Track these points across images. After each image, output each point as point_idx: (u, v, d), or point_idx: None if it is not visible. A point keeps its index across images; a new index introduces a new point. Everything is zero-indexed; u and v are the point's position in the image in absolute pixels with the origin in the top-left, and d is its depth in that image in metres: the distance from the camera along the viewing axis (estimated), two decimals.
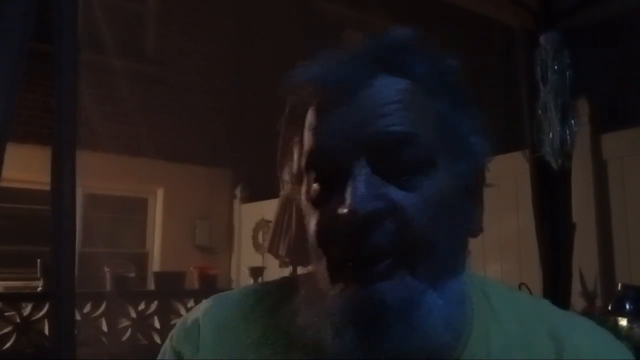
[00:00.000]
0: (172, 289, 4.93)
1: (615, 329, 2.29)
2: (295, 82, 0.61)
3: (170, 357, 0.66)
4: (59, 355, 1.50)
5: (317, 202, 0.58)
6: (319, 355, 0.57)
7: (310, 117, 0.60)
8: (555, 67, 2.60)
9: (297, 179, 0.63)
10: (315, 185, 0.58)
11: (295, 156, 0.63)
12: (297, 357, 0.61)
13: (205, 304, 0.69)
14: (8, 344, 3.90)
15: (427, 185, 0.55)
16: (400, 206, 0.54)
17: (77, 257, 1.54)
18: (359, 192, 0.53)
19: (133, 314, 4.62)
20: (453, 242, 0.58)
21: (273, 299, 0.67)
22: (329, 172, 0.57)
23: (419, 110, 0.57)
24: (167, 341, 0.68)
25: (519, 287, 2.61)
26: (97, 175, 5.15)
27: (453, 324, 0.56)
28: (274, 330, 0.64)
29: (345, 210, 0.52)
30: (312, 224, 0.58)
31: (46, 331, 4.02)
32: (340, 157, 0.55)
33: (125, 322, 4.56)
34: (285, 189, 4.95)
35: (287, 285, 0.68)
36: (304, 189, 0.61)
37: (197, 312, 0.68)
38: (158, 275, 5.35)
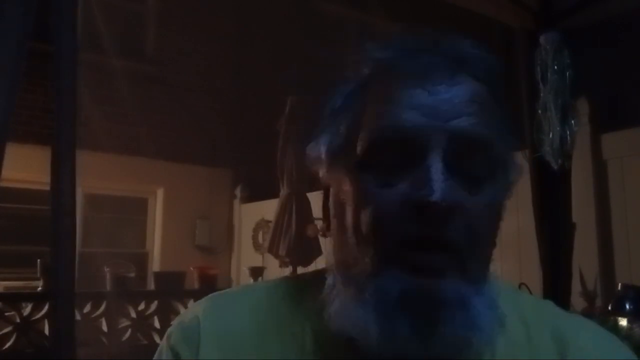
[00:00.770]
0: (172, 289, 4.93)
1: (615, 329, 2.29)
2: (368, 54, 0.60)
3: (167, 356, 0.64)
4: (59, 355, 1.50)
5: (375, 183, 0.55)
6: (345, 347, 0.56)
7: (383, 92, 0.57)
8: (555, 67, 2.60)
9: (339, 157, 0.60)
10: (375, 162, 0.56)
11: (343, 129, 0.60)
12: (314, 351, 0.60)
13: (203, 303, 0.67)
14: (8, 344, 3.91)
15: (489, 192, 0.56)
16: (468, 208, 0.54)
17: (77, 257, 1.54)
18: (439, 182, 0.52)
19: (133, 314, 4.62)
20: (491, 252, 0.59)
21: (280, 296, 0.66)
22: (400, 150, 0.55)
23: (491, 117, 0.57)
24: (164, 340, 0.66)
25: (519, 287, 2.61)
26: (97, 175, 5.15)
27: (492, 325, 0.56)
28: (284, 328, 0.62)
29: (421, 200, 0.52)
30: (364, 207, 0.55)
31: (46, 331, 4.02)
32: (420, 139, 0.54)
33: (125, 322, 4.57)
34: (286, 188, 4.95)
35: (293, 283, 0.68)
36: (351, 168, 0.58)
37: (195, 311, 0.66)
38: (158, 275, 5.35)
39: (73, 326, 1.55)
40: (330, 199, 0.62)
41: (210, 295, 0.69)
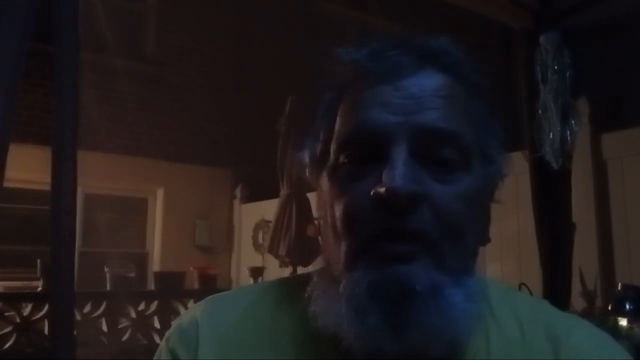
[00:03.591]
0: (172, 289, 4.93)
1: (615, 329, 2.29)
2: (340, 60, 0.61)
3: (166, 357, 0.64)
4: (59, 355, 1.50)
5: (345, 181, 0.57)
6: (334, 344, 0.56)
7: (353, 95, 0.60)
8: (555, 67, 2.60)
9: (319, 162, 0.62)
10: (345, 161, 0.58)
11: (321, 136, 0.63)
12: (308, 350, 0.60)
13: (202, 304, 0.68)
14: (8, 344, 3.91)
15: (462, 182, 0.56)
16: (435, 196, 0.55)
17: (77, 257, 1.54)
18: (400, 172, 0.53)
19: (133, 314, 4.62)
20: (475, 242, 0.59)
21: (276, 297, 0.66)
22: (367, 149, 0.57)
23: (461, 109, 0.58)
24: (163, 342, 0.66)
25: (519, 287, 2.61)
26: (97, 175, 5.15)
27: (470, 320, 0.56)
28: (279, 328, 0.63)
29: (384, 189, 0.53)
30: (336, 204, 0.57)
31: (46, 331, 4.02)
32: (383, 135, 0.56)
33: (125, 322, 4.57)
34: (286, 188, 4.96)
35: (289, 283, 0.68)
36: (326, 171, 0.60)
37: (194, 313, 0.66)
38: (158, 275, 5.35)
39: (73, 326, 1.55)
40: (317, 201, 0.64)
41: (208, 297, 0.69)
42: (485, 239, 0.62)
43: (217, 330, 0.64)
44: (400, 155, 0.55)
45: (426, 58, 0.59)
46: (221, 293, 0.70)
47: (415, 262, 0.53)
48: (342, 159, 0.58)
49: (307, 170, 0.65)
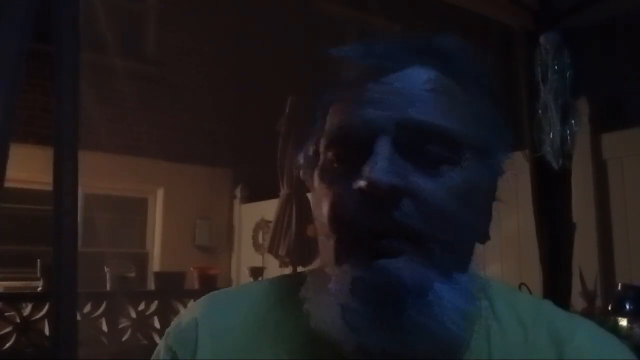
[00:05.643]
0: (172, 289, 4.93)
1: (615, 329, 2.29)
2: (334, 58, 0.61)
3: (165, 356, 0.64)
4: (60, 355, 1.50)
5: (333, 179, 0.57)
6: (327, 343, 0.55)
7: (342, 94, 0.60)
8: (555, 67, 2.60)
9: (311, 163, 0.63)
10: (332, 159, 0.58)
11: (314, 137, 0.63)
12: (306, 349, 0.59)
13: (201, 302, 0.68)
14: (8, 344, 3.90)
15: (451, 176, 0.55)
16: (420, 189, 0.54)
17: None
18: (379, 165, 0.53)
19: (133, 314, 4.62)
20: (468, 239, 0.58)
21: (275, 295, 0.66)
22: (352, 146, 0.56)
23: (452, 104, 0.57)
24: (163, 340, 0.66)
25: (519, 287, 2.61)
26: (97, 175, 5.15)
27: (462, 317, 0.55)
28: (278, 328, 0.63)
29: (363, 183, 0.52)
30: (324, 202, 0.57)
31: (46, 331, 4.02)
32: (368, 130, 0.55)
33: (125, 322, 4.57)
34: (286, 188, 4.96)
35: (288, 281, 0.68)
36: (317, 171, 0.61)
37: (193, 311, 0.66)
38: (158, 275, 5.35)
39: (75, 326, 1.55)
40: (312, 201, 0.64)
41: (208, 294, 0.69)
42: (483, 237, 0.61)
43: (217, 329, 0.63)
44: (383, 149, 0.54)
45: (416, 54, 0.58)
46: (222, 290, 0.70)
47: (400, 257, 0.52)
48: (330, 157, 0.58)
49: (301, 172, 0.65)
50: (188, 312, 0.67)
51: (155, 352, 0.66)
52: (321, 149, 0.60)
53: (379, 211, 0.53)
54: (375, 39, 0.60)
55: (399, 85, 0.57)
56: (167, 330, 0.67)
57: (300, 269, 4.70)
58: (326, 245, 0.57)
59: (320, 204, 0.58)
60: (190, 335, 0.64)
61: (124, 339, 4.51)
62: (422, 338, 0.52)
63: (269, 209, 5.68)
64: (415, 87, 0.57)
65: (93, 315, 4.39)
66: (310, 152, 0.63)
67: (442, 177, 0.55)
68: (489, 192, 0.61)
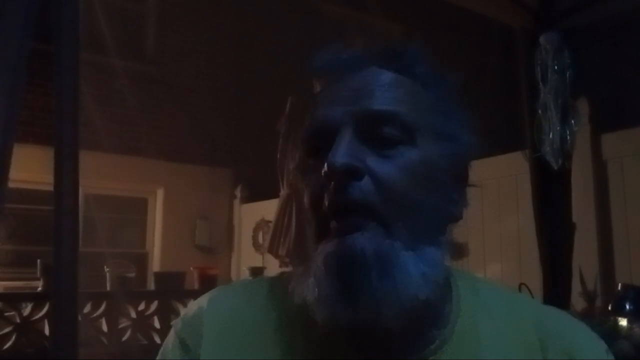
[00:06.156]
0: (172, 289, 4.92)
1: (615, 329, 2.29)
2: (307, 69, 0.69)
3: (173, 343, 0.68)
4: (60, 356, 1.50)
5: (308, 173, 0.64)
6: (308, 315, 0.60)
7: (318, 98, 0.67)
8: (555, 67, 2.60)
9: (300, 168, 0.68)
10: (306, 156, 0.65)
11: (300, 145, 0.69)
12: (293, 324, 0.65)
13: (209, 294, 0.72)
14: (8, 344, 3.90)
15: (405, 156, 0.61)
16: (377, 169, 0.60)
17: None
18: (336, 150, 0.59)
19: (133, 314, 4.62)
20: (433, 215, 0.62)
21: (278, 289, 0.70)
22: (320, 141, 0.63)
23: (406, 96, 0.64)
24: (172, 329, 0.70)
25: (519, 287, 2.61)
26: (97, 175, 5.15)
27: (427, 282, 0.59)
28: (279, 320, 0.67)
29: (325, 167, 0.58)
30: (306, 195, 0.63)
31: (46, 331, 4.02)
32: (332, 124, 0.62)
33: (125, 322, 4.56)
34: (286, 189, 4.96)
35: (285, 274, 0.72)
36: (299, 168, 0.67)
37: (201, 301, 0.71)
38: (158, 275, 5.34)
39: (76, 327, 1.55)
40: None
41: (216, 287, 0.74)
42: (452, 216, 0.65)
43: (222, 318, 0.68)
44: (343, 138, 0.60)
45: (375, 59, 0.66)
46: (229, 284, 0.75)
47: (365, 232, 0.58)
48: (304, 155, 0.65)
49: (292, 176, 0.72)
50: (196, 303, 0.72)
51: (165, 341, 0.70)
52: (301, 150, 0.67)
53: (341, 191, 0.58)
54: (339, 48, 0.68)
55: (359, 83, 0.64)
56: (176, 319, 0.72)
57: None
58: (309, 233, 0.64)
59: (302, 198, 0.64)
60: (197, 321, 0.68)
61: (124, 339, 4.50)
62: (389, 303, 0.56)
63: (269, 209, 5.67)
64: (372, 84, 0.63)
65: (93, 315, 4.39)
66: (297, 157, 0.70)
67: (398, 157, 0.61)
68: (453, 173, 0.65)
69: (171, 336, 0.70)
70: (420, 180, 0.61)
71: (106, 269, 4.64)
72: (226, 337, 0.66)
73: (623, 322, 2.35)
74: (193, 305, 0.71)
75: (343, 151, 0.59)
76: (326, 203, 0.59)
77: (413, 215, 0.60)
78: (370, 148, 0.61)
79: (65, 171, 1.48)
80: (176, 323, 0.70)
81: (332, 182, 0.58)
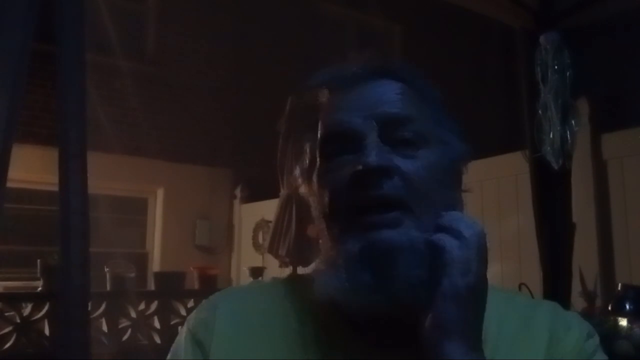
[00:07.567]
0: (172, 289, 4.93)
1: (615, 329, 2.29)
2: (315, 82, 0.76)
3: (186, 337, 0.71)
4: (65, 356, 1.49)
5: (329, 173, 0.69)
6: (332, 308, 0.65)
7: (329, 106, 0.73)
8: (555, 67, 2.60)
9: (308, 172, 0.74)
10: (326, 158, 0.70)
11: (308, 150, 0.75)
12: (312, 318, 0.69)
13: (221, 292, 0.76)
14: (8, 344, 3.90)
15: (424, 157, 0.68)
16: (404, 168, 0.66)
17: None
18: (372, 151, 0.65)
19: (133, 314, 4.62)
20: (443, 203, 0.68)
21: (287, 284, 0.75)
22: (343, 144, 0.68)
23: (413, 105, 0.71)
24: (185, 324, 0.74)
25: (519, 287, 2.61)
26: (97, 175, 5.13)
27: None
28: (288, 303, 0.72)
29: (360, 166, 0.64)
30: (325, 194, 0.68)
31: (46, 331, 4.02)
32: (356, 130, 0.68)
33: (125, 322, 4.56)
34: (286, 189, 4.96)
35: (299, 280, 0.76)
36: (315, 174, 0.72)
37: (213, 298, 0.74)
38: (158, 275, 5.34)
39: (88, 331, 1.52)
40: (312, 206, 0.74)
41: (229, 287, 0.78)
42: (455, 202, 0.71)
43: (234, 314, 0.71)
44: (372, 141, 0.66)
45: (380, 72, 0.73)
46: (241, 285, 0.77)
47: (397, 227, 0.64)
48: (325, 157, 0.70)
49: (300, 182, 0.77)
50: (208, 300, 0.75)
51: (177, 339, 0.74)
52: (317, 154, 0.72)
53: (375, 187, 0.65)
54: (345, 63, 0.75)
55: (373, 93, 0.71)
56: (190, 315, 0.75)
57: (300, 269, 4.70)
58: (329, 234, 0.68)
59: (321, 197, 0.70)
60: (210, 318, 0.71)
61: (124, 339, 4.50)
62: (421, 291, 0.62)
63: (269, 209, 5.67)
64: (388, 93, 0.71)
65: (93, 315, 4.38)
66: (307, 162, 0.75)
67: (418, 158, 0.68)
68: (453, 173, 0.72)
69: (184, 332, 0.72)
70: (438, 178, 0.68)
71: (106, 269, 4.64)
72: (238, 335, 0.69)
73: (623, 322, 2.35)
74: (206, 303, 0.74)
75: (377, 153, 0.65)
76: (356, 200, 0.65)
77: (434, 209, 0.66)
78: (394, 149, 0.67)
79: (72, 170, 1.48)
80: (189, 319, 0.73)
81: (365, 180, 0.64)
